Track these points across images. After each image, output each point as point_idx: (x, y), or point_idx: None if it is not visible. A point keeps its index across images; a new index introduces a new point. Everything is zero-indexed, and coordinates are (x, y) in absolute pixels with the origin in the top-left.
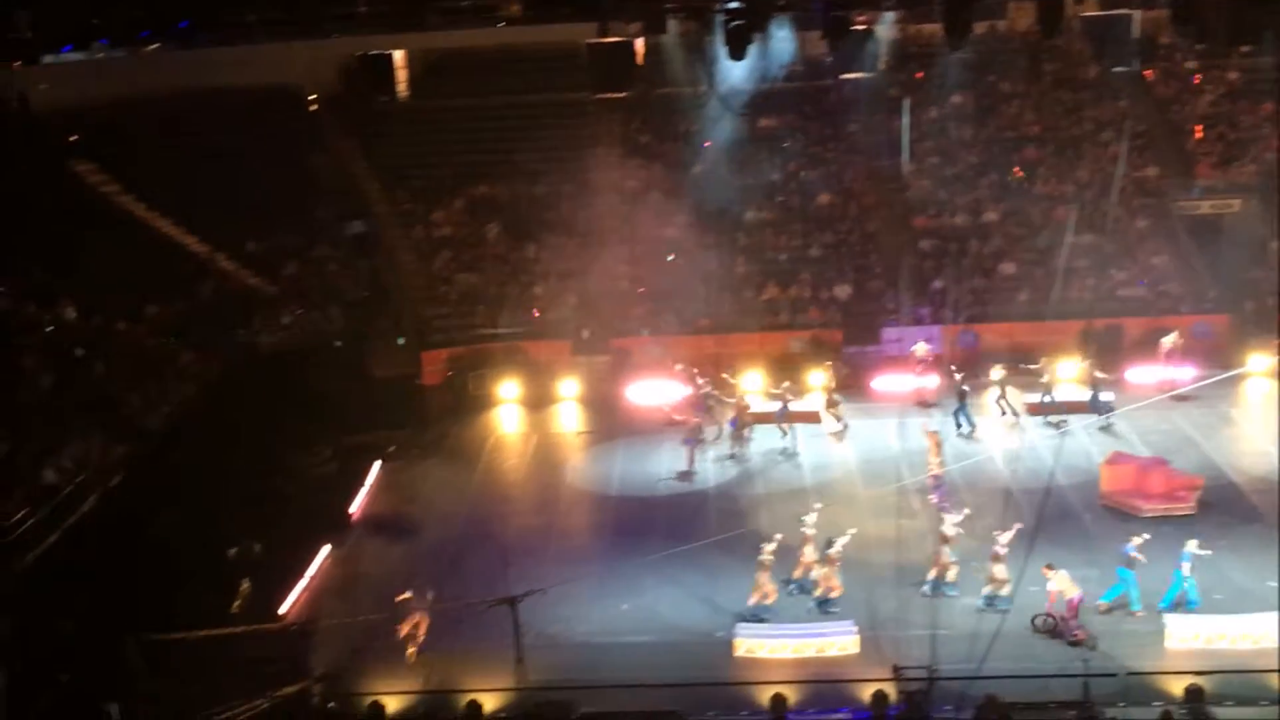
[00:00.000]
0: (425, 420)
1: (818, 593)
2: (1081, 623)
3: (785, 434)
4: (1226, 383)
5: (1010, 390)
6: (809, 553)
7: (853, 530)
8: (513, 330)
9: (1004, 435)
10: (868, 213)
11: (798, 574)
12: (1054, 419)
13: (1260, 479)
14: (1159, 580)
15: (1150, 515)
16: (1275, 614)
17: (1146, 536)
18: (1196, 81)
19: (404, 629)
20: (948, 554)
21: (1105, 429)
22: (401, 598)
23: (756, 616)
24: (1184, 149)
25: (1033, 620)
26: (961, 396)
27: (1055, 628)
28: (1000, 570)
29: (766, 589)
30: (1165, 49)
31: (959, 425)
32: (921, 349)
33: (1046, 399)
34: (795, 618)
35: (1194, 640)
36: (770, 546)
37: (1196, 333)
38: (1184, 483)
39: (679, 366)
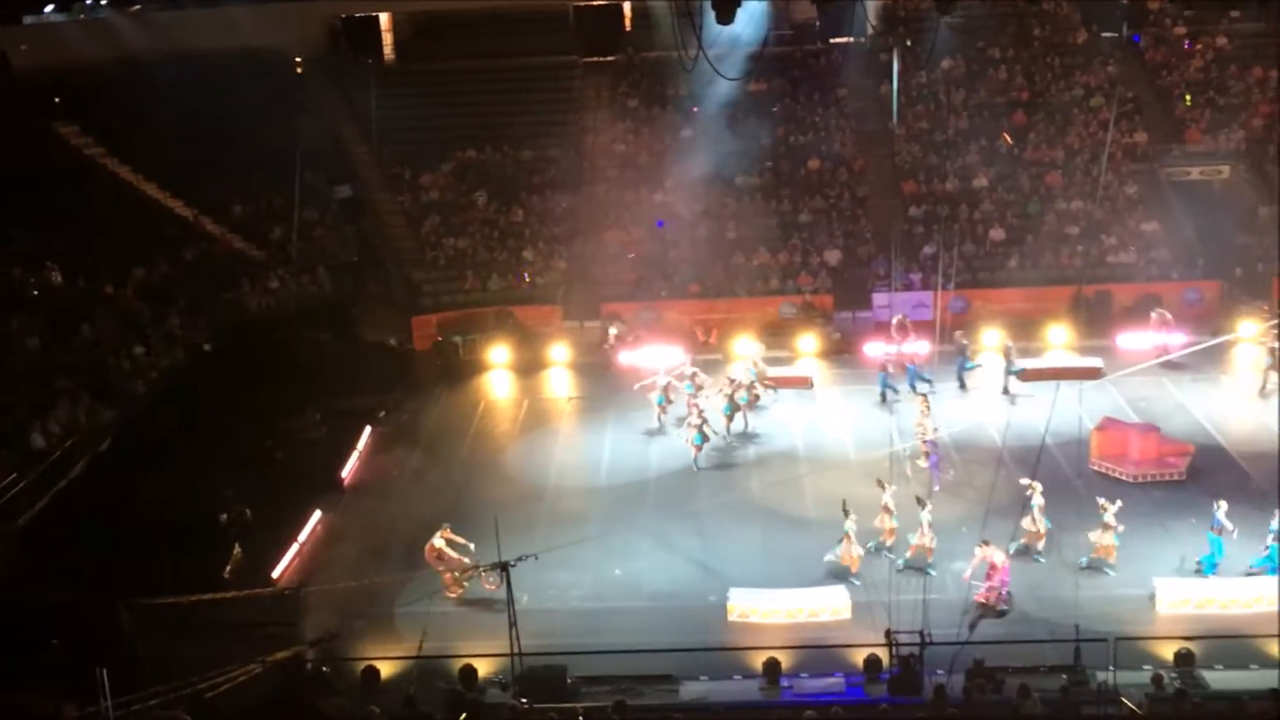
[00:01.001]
0: (415, 385)
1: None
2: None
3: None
4: (1216, 349)
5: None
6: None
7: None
8: (502, 295)
9: (995, 402)
10: (858, 178)
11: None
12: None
13: (1250, 445)
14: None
15: (1140, 481)
16: (1265, 579)
17: (1223, 504)
18: (1186, 48)
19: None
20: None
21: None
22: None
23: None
24: (1173, 115)
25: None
26: (963, 352)
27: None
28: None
29: (852, 557)
30: (1155, 14)
31: (962, 385)
32: (899, 319)
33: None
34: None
35: (1185, 605)
36: (853, 517)
37: (1186, 299)
38: (1175, 449)
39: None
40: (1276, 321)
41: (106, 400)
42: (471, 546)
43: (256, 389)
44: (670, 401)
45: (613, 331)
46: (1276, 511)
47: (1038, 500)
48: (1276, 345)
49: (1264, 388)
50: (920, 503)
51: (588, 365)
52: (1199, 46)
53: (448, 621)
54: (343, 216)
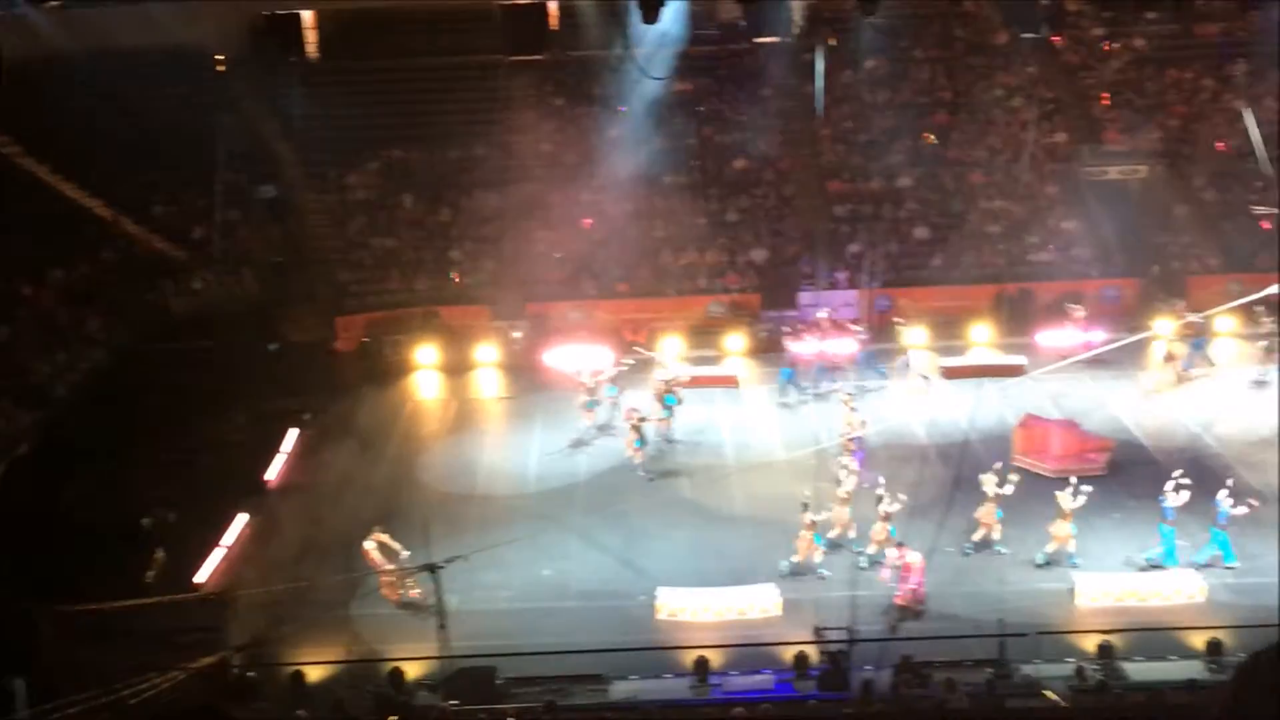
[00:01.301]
0: (341, 386)
1: (871, 549)
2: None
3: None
4: (1134, 345)
5: (926, 354)
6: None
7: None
8: (430, 295)
9: (920, 398)
10: (783, 177)
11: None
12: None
13: (1167, 440)
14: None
15: (1060, 476)
16: (1184, 572)
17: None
18: (1104, 49)
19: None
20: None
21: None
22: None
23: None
24: (1091, 115)
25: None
26: (869, 350)
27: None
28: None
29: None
30: (1073, 15)
31: (869, 380)
32: (822, 315)
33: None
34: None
35: (1105, 598)
36: (811, 509)
37: (1105, 296)
38: (1095, 444)
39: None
40: (1189, 319)
41: (25, 403)
42: (405, 554)
43: (179, 391)
44: (598, 403)
45: (515, 335)
46: (1219, 501)
47: (991, 489)
48: (1177, 341)
49: (1153, 385)
50: (804, 507)
51: (516, 365)
52: (1116, 48)
53: (376, 624)
54: (267, 216)
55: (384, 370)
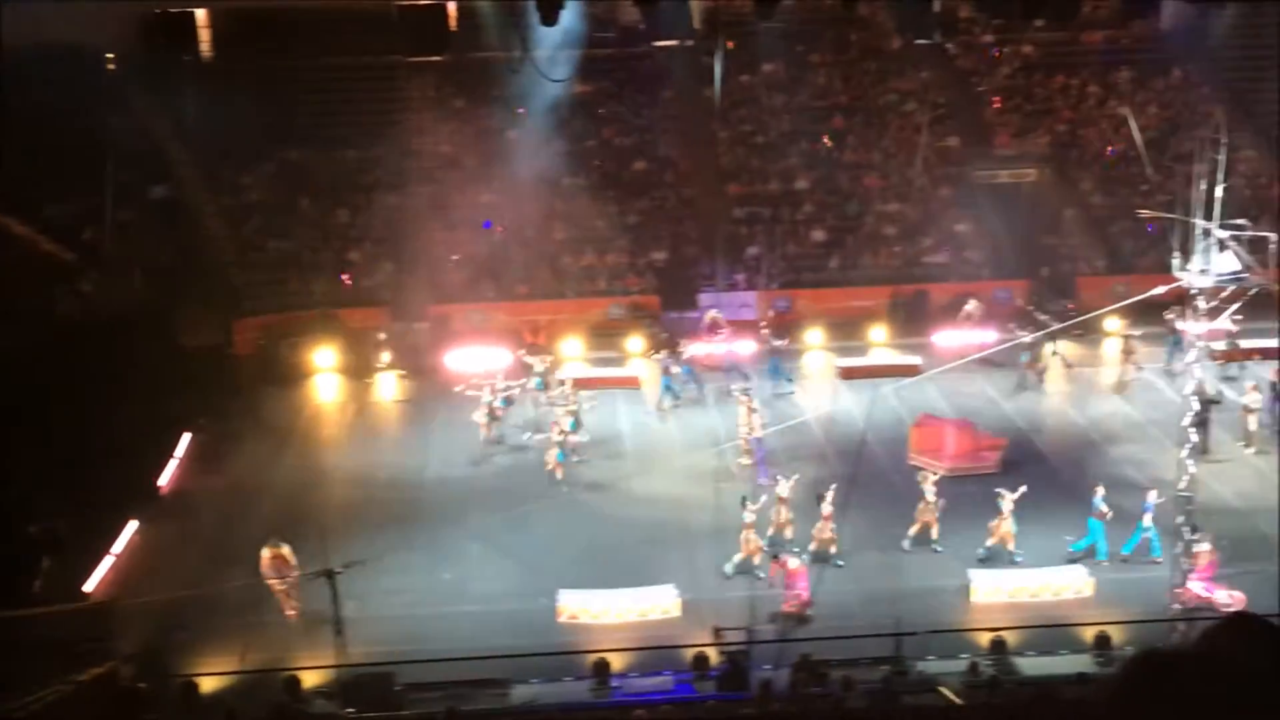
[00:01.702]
0: (238, 390)
1: (813, 548)
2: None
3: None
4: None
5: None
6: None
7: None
8: (328, 297)
9: (818, 398)
10: (683, 179)
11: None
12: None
13: (1058, 438)
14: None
15: (955, 475)
16: (1071, 568)
17: (1102, 490)
18: (994, 55)
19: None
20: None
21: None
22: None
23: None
24: (983, 120)
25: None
26: (775, 353)
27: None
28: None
29: (752, 546)
30: (965, 22)
31: (776, 384)
32: (711, 316)
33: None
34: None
35: (999, 594)
36: (753, 508)
37: (997, 297)
38: (988, 443)
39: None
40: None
41: None
42: (295, 573)
43: (69, 396)
44: (497, 419)
45: (381, 336)
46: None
47: (930, 490)
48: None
49: (1021, 383)
50: (743, 503)
51: (415, 368)
52: (1006, 54)
53: (271, 632)
54: (159, 218)
55: (281, 374)
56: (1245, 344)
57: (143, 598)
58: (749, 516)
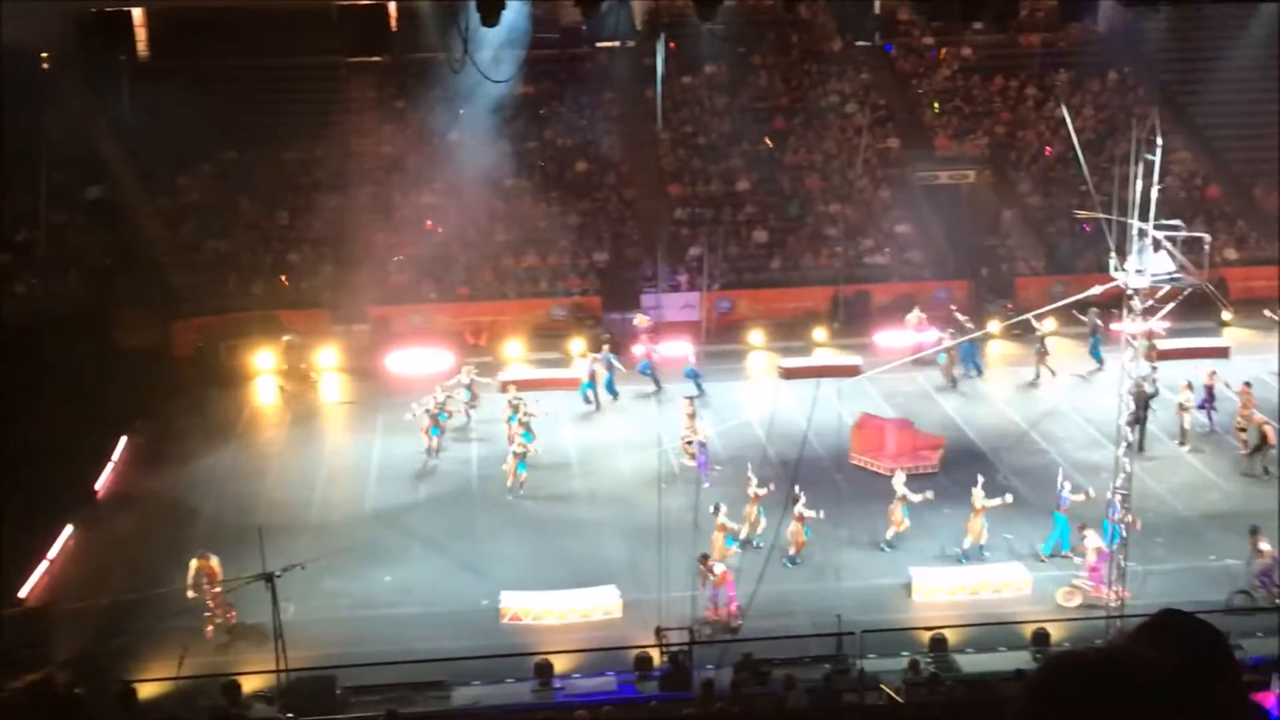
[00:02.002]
0: (175, 392)
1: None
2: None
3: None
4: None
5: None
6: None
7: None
8: (268, 299)
9: (759, 400)
10: (625, 180)
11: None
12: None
13: (997, 436)
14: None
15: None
16: (1010, 565)
17: (1068, 484)
18: (934, 57)
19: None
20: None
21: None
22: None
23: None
24: (923, 121)
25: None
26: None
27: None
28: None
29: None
30: (904, 24)
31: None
32: (641, 320)
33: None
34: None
35: (939, 592)
36: (724, 510)
37: (937, 298)
38: (928, 442)
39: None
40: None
41: None
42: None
43: (2, 398)
44: (443, 432)
45: (286, 338)
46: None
47: (900, 490)
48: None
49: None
50: (715, 509)
51: (357, 369)
52: (945, 56)
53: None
54: (95, 218)
55: (220, 375)
56: (1180, 344)
57: (79, 602)
58: (721, 520)
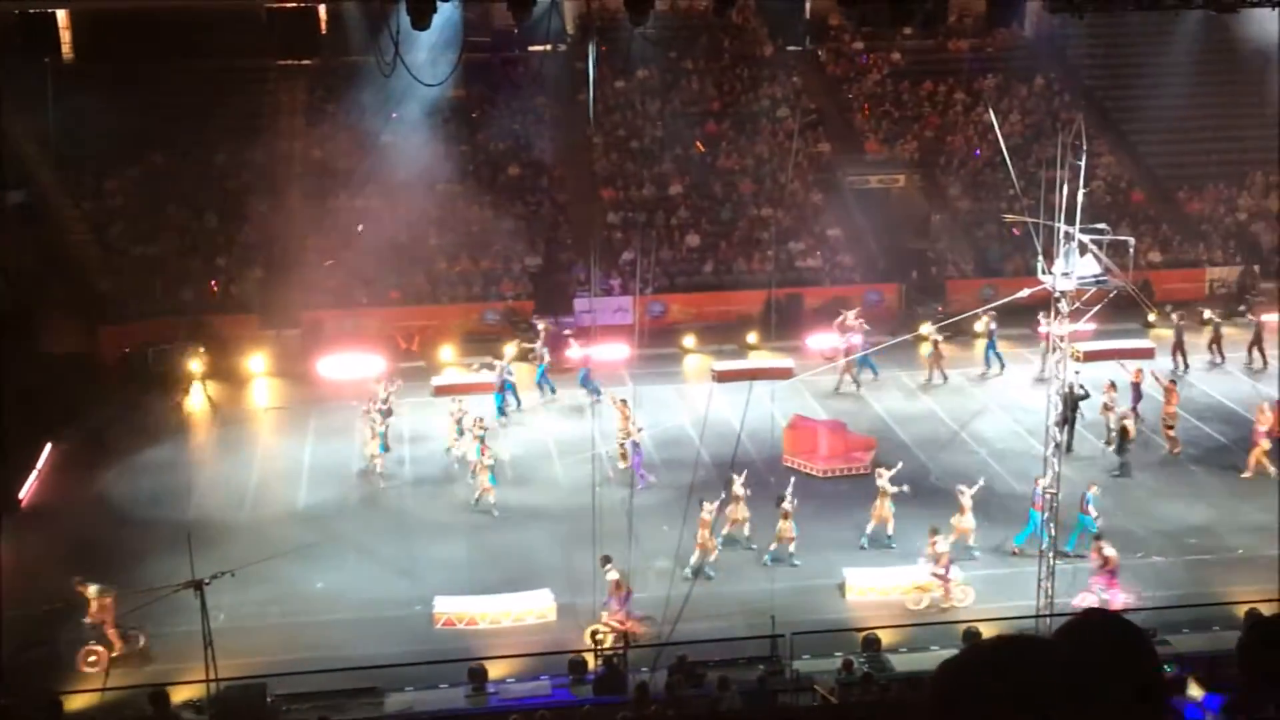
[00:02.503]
0: (103, 398)
1: (773, 547)
2: (631, 611)
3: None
4: (897, 347)
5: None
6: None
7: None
8: (197, 304)
9: (692, 403)
10: (557, 184)
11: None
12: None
13: (927, 438)
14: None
15: (828, 475)
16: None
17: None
18: (863, 62)
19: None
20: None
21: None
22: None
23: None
24: (853, 125)
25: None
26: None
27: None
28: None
29: (709, 544)
30: (835, 29)
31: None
32: (543, 327)
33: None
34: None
35: (871, 592)
36: (710, 505)
37: (868, 301)
38: (860, 443)
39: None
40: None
41: None
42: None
43: None
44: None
45: (196, 364)
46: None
47: (887, 486)
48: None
49: (930, 381)
50: (700, 504)
51: (287, 375)
52: (875, 61)
53: (138, 647)
54: (18, 223)
55: (149, 382)
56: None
57: (3, 613)
58: (706, 515)
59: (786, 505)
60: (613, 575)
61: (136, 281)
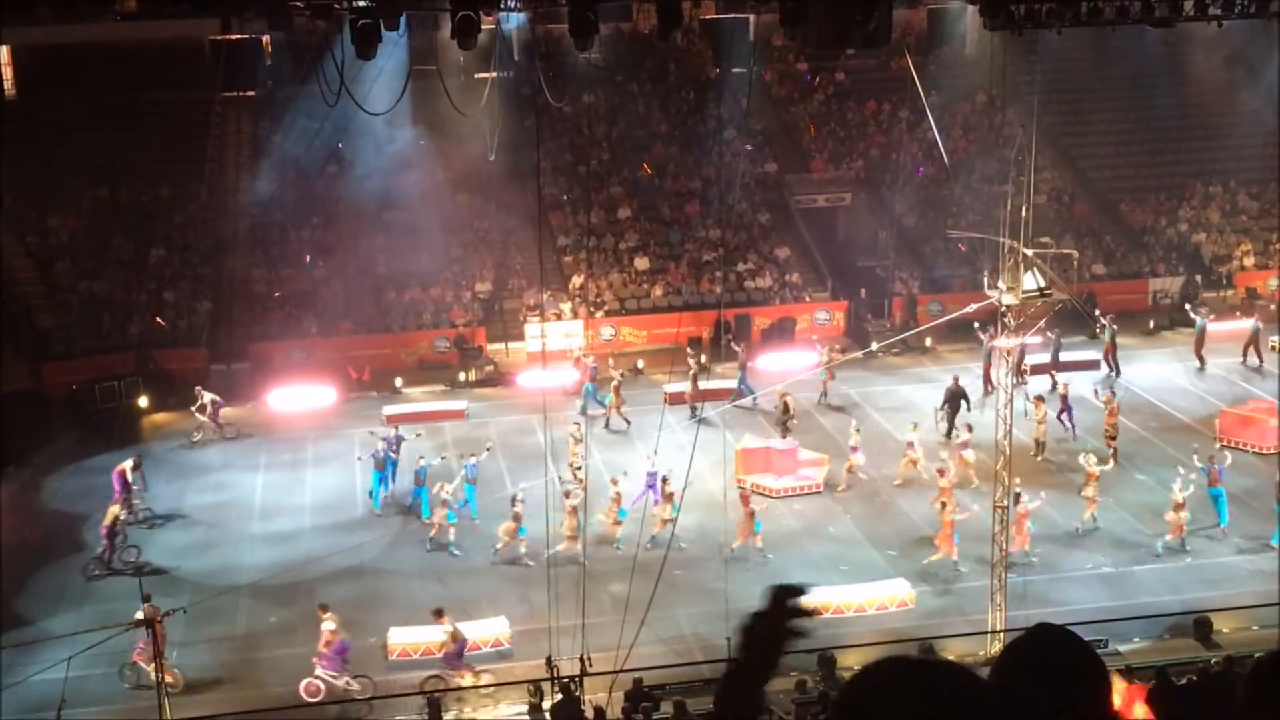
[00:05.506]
0: (48, 436)
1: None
2: (349, 666)
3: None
4: (848, 365)
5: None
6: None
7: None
8: (144, 338)
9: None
10: (506, 210)
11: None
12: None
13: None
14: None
15: (784, 495)
16: (897, 581)
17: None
18: (808, 83)
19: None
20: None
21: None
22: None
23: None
24: (800, 145)
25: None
26: (593, 378)
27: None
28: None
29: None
30: (779, 51)
31: (590, 408)
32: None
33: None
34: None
35: (828, 611)
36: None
37: (818, 320)
38: (811, 462)
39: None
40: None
41: None
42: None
43: None
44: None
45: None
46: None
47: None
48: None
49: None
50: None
51: (240, 407)
52: (819, 82)
53: (86, 686)
54: None
55: (96, 418)
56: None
57: None
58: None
59: (518, 507)
60: (329, 625)
61: (83, 317)
